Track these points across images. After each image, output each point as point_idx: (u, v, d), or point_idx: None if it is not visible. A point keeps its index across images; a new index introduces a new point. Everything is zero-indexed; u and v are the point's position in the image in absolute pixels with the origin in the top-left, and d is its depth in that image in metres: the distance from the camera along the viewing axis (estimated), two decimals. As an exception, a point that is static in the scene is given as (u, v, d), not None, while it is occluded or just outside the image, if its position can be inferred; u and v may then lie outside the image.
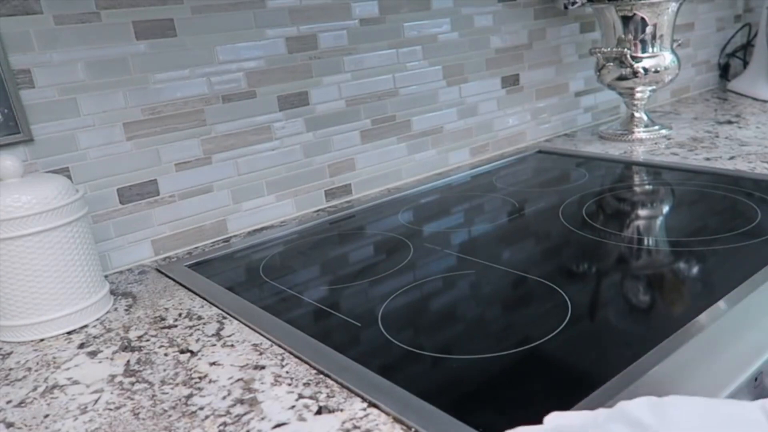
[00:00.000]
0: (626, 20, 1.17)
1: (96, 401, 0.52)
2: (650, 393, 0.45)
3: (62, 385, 0.56)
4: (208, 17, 0.84)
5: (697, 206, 0.85)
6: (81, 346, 0.63)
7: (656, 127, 1.25)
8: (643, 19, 1.16)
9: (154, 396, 0.52)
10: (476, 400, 0.48)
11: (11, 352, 0.63)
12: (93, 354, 0.61)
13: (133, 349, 0.61)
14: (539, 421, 0.43)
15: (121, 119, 0.80)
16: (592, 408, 0.44)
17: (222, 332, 0.62)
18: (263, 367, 0.55)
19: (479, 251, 0.77)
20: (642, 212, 0.86)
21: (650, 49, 1.18)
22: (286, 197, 0.97)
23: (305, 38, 0.94)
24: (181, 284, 0.75)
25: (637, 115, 1.26)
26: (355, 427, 0.45)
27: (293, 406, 0.49)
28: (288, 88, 0.94)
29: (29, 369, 0.59)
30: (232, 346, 0.59)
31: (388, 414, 0.46)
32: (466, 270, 0.72)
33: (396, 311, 0.64)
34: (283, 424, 0.47)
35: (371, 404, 0.48)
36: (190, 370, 0.56)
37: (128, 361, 0.58)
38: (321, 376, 0.52)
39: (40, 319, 0.64)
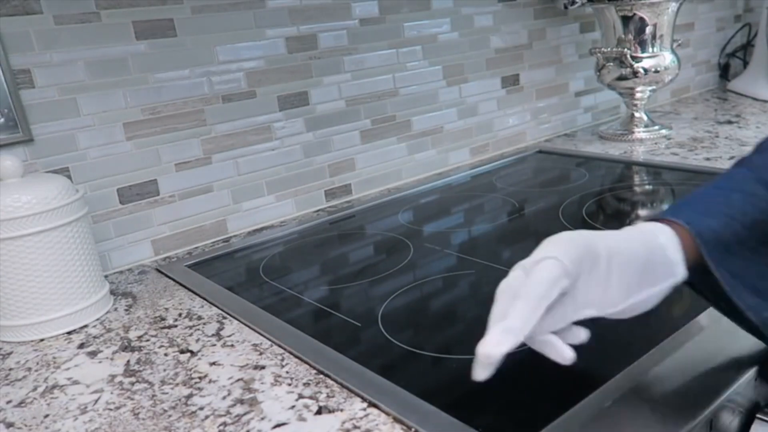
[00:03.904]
0: (626, 20, 1.16)
1: (96, 401, 0.52)
2: (650, 393, 0.45)
3: (62, 385, 0.56)
4: (208, 17, 0.84)
5: (697, 206, 0.85)
6: (81, 346, 0.63)
7: (656, 127, 1.25)
8: (643, 19, 1.15)
9: (154, 396, 0.52)
10: (476, 400, 0.48)
11: (11, 352, 0.63)
12: (93, 354, 0.61)
13: (133, 349, 0.61)
14: (540, 423, 0.43)
15: (121, 119, 0.80)
16: (591, 411, 0.44)
17: (222, 332, 0.62)
18: (263, 367, 0.55)
19: (479, 251, 0.77)
20: (642, 212, 0.86)
21: (650, 49, 1.18)
22: (286, 197, 0.97)
23: (305, 38, 0.94)
24: (181, 284, 0.75)
25: (637, 115, 1.26)
26: (355, 427, 0.45)
27: (293, 406, 0.49)
28: (288, 88, 0.94)
29: (29, 369, 0.59)
30: (232, 346, 0.59)
31: (388, 414, 0.46)
32: (466, 270, 0.72)
33: (396, 311, 0.64)
34: (283, 424, 0.47)
35: (371, 404, 0.48)
36: (190, 370, 0.56)
37: (128, 361, 0.58)
38: (321, 376, 0.52)
39: (40, 319, 0.64)
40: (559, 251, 0.39)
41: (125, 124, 0.80)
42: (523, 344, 0.54)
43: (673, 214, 0.43)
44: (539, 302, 0.37)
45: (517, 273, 0.40)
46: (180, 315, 0.67)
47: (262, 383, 0.52)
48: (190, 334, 0.62)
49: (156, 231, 0.85)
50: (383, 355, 0.56)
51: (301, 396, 0.50)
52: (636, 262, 0.40)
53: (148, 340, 0.62)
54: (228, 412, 0.49)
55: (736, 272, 0.42)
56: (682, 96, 1.62)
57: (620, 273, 0.40)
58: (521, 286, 0.39)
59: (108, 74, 0.78)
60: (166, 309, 0.69)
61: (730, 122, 1.29)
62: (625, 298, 0.40)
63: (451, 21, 1.10)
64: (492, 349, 0.37)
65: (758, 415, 0.47)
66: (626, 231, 0.42)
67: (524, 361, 0.53)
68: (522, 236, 0.83)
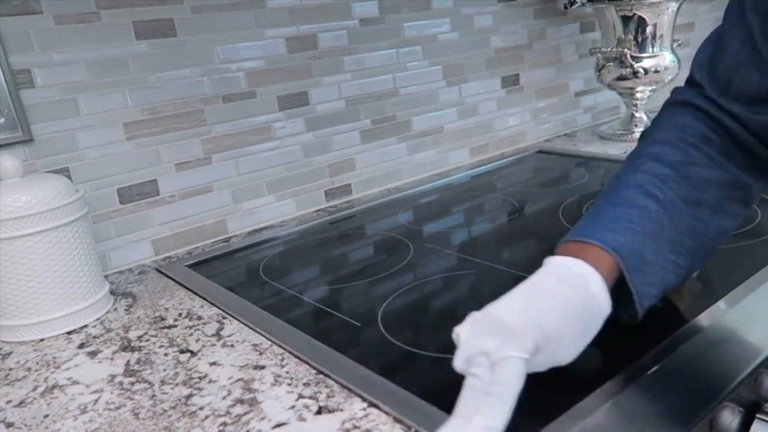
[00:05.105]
0: (626, 20, 1.16)
1: (96, 401, 0.52)
2: (650, 393, 0.45)
3: (62, 385, 0.56)
4: (208, 17, 0.84)
5: (697, 206, 0.85)
6: (81, 346, 0.63)
7: (656, 127, 1.25)
8: (643, 19, 1.16)
9: (154, 396, 0.52)
10: (476, 400, 0.48)
11: (11, 352, 0.63)
12: (93, 354, 0.61)
13: (133, 349, 0.61)
14: (539, 423, 0.43)
15: (121, 119, 0.80)
16: (591, 411, 0.44)
17: (222, 332, 0.62)
18: (263, 367, 0.55)
19: (479, 251, 0.77)
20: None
21: (650, 49, 1.18)
22: (286, 197, 0.97)
23: (305, 38, 0.94)
24: (181, 284, 0.75)
25: (637, 115, 1.26)
26: (355, 427, 0.45)
27: (293, 406, 0.49)
28: (288, 88, 0.94)
29: (29, 369, 0.59)
30: (232, 346, 0.59)
31: (388, 414, 0.46)
32: (466, 270, 0.72)
33: (396, 311, 0.64)
34: (283, 424, 0.47)
35: (371, 404, 0.47)
36: (190, 370, 0.56)
37: (128, 361, 0.58)
38: (321, 376, 0.52)
39: (40, 319, 0.64)
40: (516, 347, 0.42)
41: (125, 124, 0.80)
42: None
43: (587, 236, 0.49)
44: (511, 399, 0.41)
45: (481, 371, 0.42)
46: (180, 315, 0.67)
47: (262, 383, 0.52)
48: (190, 334, 0.62)
49: (156, 231, 0.85)
50: (383, 355, 0.56)
51: (301, 396, 0.50)
52: (577, 329, 0.45)
53: (148, 340, 0.62)
54: (228, 412, 0.49)
55: (649, 275, 0.49)
56: (682, 96, 1.62)
57: (566, 343, 0.44)
58: (491, 384, 0.41)
59: (108, 74, 0.78)
60: (166, 309, 0.69)
61: (730, 122, 1.29)
62: (573, 354, 0.45)
63: (451, 21, 1.10)
64: None
65: (758, 415, 0.47)
66: (563, 290, 0.45)
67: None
68: (522, 236, 0.83)
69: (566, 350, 0.45)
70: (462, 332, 0.45)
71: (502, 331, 0.43)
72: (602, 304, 0.46)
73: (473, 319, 0.45)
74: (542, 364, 0.44)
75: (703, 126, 0.54)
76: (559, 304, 0.45)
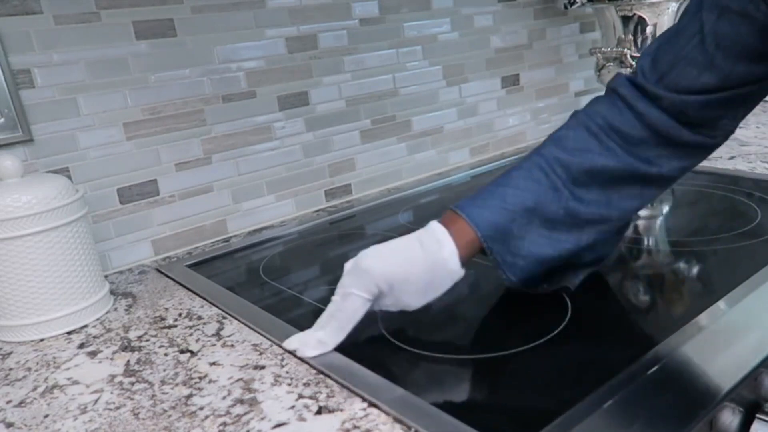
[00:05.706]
0: (626, 20, 1.16)
1: (96, 401, 0.52)
2: (650, 393, 0.45)
3: (62, 385, 0.56)
4: (208, 17, 0.84)
5: (697, 206, 0.85)
6: (81, 346, 0.63)
7: (656, 127, 1.25)
8: (643, 19, 1.15)
9: (154, 396, 0.52)
10: (476, 400, 0.48)
11: (11, 352, 0.63)
12: (93, 354, 0.61)
13: (133, 349, 0.61)
14: (539, 423, 0.43)
15: (121, 119, 0.80)
16: (591, 411, 0.44)
17: (222, 332, 0.62)
18: (263, 367, 0.55)
19: (479, 251, 0.77)
20: (642, 212, 0.86)
21: (650, 49, 1.18)
22: (286, 197, 0.97)
23: (305, 38, 0.94)
24: (181, 284, 0.75)
25: (637, 115, 1.26)
26: (355, 427, 0.45)
27: (293, 406, 0.49)
28: (288, 88, 0.94)
29: (29, 369, 0.59)
30: (232, 346, 0.59)
31: (388, 414, 0.46)
32: (466, 270, 0.72)
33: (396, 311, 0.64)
34: (283, 424, 0.47)
35: (371, 404, 0.47)
36: (190, 370, 0.56)
37: (128, 361, 0.58)
38: (321, 376, 0.52)
39: (40, 319, 0.64)
40: (361, 288, 0.53)
41: (125, 124, 0.80)
42: (522, 344, 0.54)
43: (460, 208, 0.57)
44: (348, 325, 0.54)
45: (336, 298, 0.54)
46: (180, 315, 0.67)
47: (262, 383, 0.52)
48: (190, 334, 0.62)
49: (156, 231, 0.85)
50: (383, 355, 0.56)
51: (301, 396, 0.50)
52: (421, 284, 0.54)
53: (148, 340, 0.62)
54: (228, 412, 0.49)
55: (513, 248, 0.57)
56: (682, 96, 1.62)
57: (409, 293, 0.54)
58: (337, 311, 0.54)
59: (108, 74, 0.78)
60: (166, 309, 0.69)
61: (730, 122, 1.29)
62: (417, 303, 0.55)
63: (451, 21, 1.10)
64: (306, 352, 0.54)
65: (758, 415, 0.47)
66: (416, 250, 0.54)
67: (524, 360, 0.53)
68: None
69: (409, 299, 0.54)
70: (346, 265, 0.55)
71: (358, 272, 0.53)
72: (451, 268, 0.54)
73: (356, 257, 0.55)
74: (390, 306, 0.55)
75: (615, 115, 0.57)
76: (409, 260, 0.54)
